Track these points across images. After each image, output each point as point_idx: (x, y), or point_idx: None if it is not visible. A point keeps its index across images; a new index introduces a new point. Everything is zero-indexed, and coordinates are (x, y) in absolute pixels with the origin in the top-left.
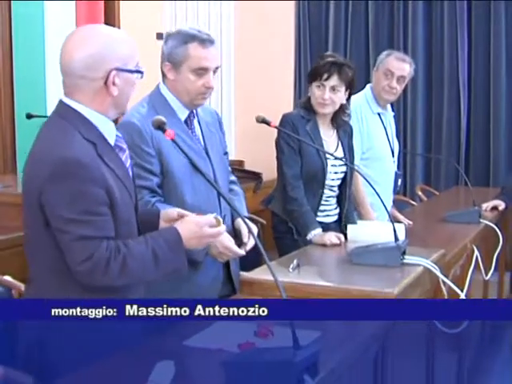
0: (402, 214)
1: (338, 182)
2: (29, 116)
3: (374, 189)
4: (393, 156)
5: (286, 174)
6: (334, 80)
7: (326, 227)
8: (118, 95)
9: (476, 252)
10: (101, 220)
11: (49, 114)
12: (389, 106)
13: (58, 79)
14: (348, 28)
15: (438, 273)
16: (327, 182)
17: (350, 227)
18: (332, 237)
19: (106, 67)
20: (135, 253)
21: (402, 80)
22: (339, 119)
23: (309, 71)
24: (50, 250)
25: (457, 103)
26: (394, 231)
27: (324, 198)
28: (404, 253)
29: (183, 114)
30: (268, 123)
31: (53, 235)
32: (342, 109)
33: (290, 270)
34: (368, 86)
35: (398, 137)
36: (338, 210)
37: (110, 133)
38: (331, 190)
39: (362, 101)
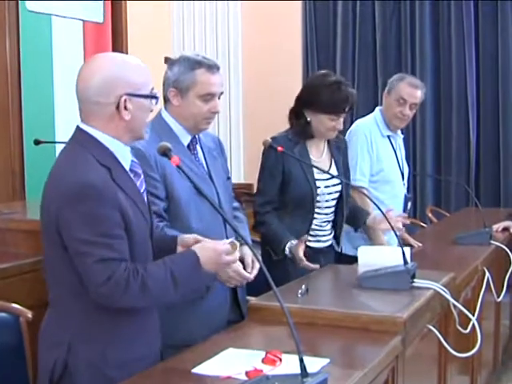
0: (413, 236)
1: (333, 202)
2: (36, 142)
3: (382, 212)
4: (403, 179)
5: (255, 200)
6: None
7: (315, 252)
8: (131, 120)
9: (487, 274)
10: (118, 242)
11: (57, 139)
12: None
13: (66, 105)
14: (356, 30)
15: (449, 296)
16: (320, 205)
17: (360, 251)
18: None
19: (116, 93)
20: (153, 273)
21: (414, 106)
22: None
23: (322, 103)
24: (70, 275)
25: (466, 124)
26: (403, 255)
27: (317, 223)
28: (414, 276)
29: (186, 139)
30: (275, 148)
31: (71, 259)
32: None
33: (299, 295)
34: (377, 108)
35: (407, 159)
36: (331, 236)
37: (125, 158)
38: (325, 214)
39: (371, 124)
